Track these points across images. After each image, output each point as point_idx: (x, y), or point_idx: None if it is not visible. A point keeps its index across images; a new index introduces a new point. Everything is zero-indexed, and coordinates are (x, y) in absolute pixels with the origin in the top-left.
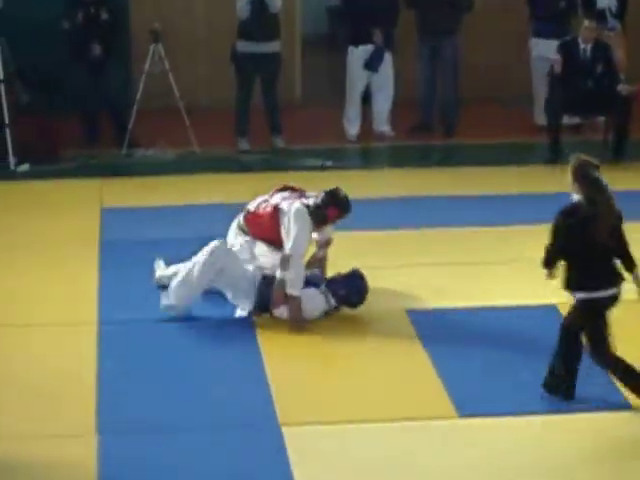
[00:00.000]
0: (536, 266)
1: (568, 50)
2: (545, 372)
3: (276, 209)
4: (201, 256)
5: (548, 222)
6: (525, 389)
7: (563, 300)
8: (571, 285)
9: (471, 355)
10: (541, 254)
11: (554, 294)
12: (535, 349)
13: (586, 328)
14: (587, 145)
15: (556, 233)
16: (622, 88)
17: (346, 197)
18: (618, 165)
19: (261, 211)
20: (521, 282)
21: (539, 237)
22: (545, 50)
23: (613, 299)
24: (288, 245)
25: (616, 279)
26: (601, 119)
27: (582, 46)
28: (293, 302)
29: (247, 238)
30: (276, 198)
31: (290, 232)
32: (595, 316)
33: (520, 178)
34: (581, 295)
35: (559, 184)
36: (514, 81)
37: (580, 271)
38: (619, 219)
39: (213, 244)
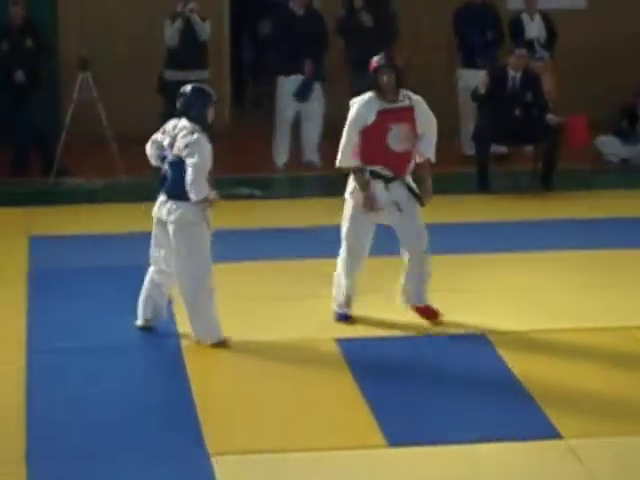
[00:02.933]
0: (464, 294)
1: (497, 78)
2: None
3: None
4: None
5: (473, 252)
6: (455, 418)
7: (493, 329)
8: None
9: (401, 384)
10: (468, 284)
11: (484, 323)
12: (465, 377)
13: None
14: (515, 174)
15: None
16: (551, 118)
17: None
18: (546, 195)
19: None
20: (449, 311)
21: (465, 266)
22: (472, 81)
23: None
24: None
25: None
26: (529, 148)
27: (511, 74)
28: None
29: None
30: None
31: None
32: None
33: (448, 208)
34: None
35: (488, 213)
36: (441, 112)
37: None
38: None
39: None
